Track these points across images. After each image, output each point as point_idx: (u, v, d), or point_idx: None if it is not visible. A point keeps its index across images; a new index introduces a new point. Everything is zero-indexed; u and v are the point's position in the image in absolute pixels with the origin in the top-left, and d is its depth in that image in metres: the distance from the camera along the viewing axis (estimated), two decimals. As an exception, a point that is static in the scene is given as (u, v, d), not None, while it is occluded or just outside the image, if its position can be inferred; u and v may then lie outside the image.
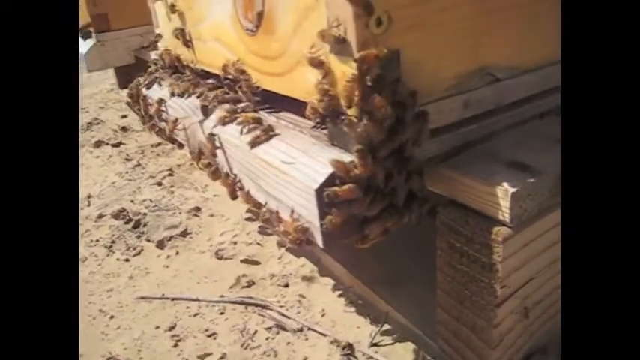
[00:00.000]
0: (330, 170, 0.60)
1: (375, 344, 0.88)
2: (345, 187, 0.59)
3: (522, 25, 0.72)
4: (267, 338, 0.96)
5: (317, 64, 0.60)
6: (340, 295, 1.03)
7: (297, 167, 0.64)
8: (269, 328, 0.98)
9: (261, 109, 0.82)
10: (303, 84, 0.69)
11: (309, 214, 0.62)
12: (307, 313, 1.00)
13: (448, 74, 0.66)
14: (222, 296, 1.10)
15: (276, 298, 1.07)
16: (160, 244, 1.29)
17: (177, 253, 1.26)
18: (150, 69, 1.20)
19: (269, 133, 0.71)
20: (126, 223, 1.39)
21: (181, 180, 1.60)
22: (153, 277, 1.19)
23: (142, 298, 1.12)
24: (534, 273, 0.69)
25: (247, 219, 1.33)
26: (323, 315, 0.99)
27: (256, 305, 1.06)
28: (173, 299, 1.11)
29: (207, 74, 1.02)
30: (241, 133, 0.76)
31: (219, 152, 0.82)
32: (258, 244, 1.24)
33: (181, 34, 1.04)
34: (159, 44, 1.24)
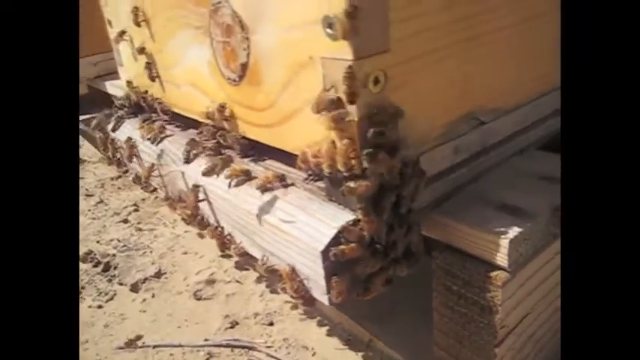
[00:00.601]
0: (334, 231, 0.59)
1: (372, 383, 0.88)
2: (352, 245, 0.59)
3: (503, 69, 0.74)
4: (259, 383, 0.94)
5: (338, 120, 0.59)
6: (329, 333, 1.03)
7: (298, 226, 0.63)
8: (260, 373, 0.96)
9: (246, 157, 0.81)
10: (295, 137, 0.69)
11: (314, 273, 0.61)
12: (297, 354, 0.99)
13: (438, 124, 0.67)
14: (206, 340, 1.07)
15: (262, 338, 1.05)
16: (134, 288, 1.24)
17: (153, 296, 1.22)
18: (115, 109, 1.16)
19: (283, 181, 0.70)
20: (95, 266, 1.33)
21: (148, 215, 1.55)
22: (130, 324, 1.14)
23: (121, 348, 1.08)
24: (529, 309, 0.71)
25: (223, 255, 1.31)
26: (314, 354, 0.98)
27: (243, 347, 1.04)
28: (154, 347, 1.07)
29: (176, 116, 1.00)
30: (229, 186, 0.75)
31: (204, 204, 0.80)
32: (238, 281, 1.22)
33: (150, 78, 1.01)
34: (122, 80, 1.21)
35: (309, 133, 0.64)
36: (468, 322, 0.70)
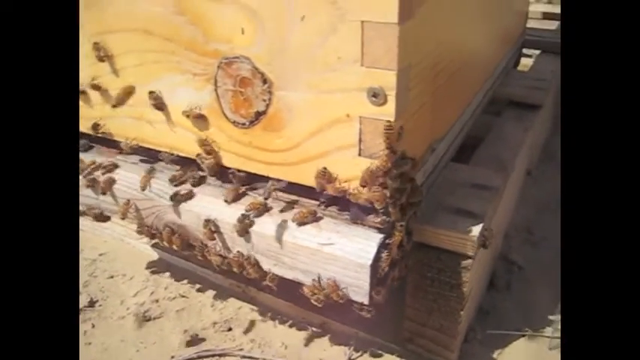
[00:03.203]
0: (375, 248, 0.78)
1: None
2: (390, 252, 0.78)
3: (445, 107, 1.00)
4: (246, 383, 1.06)
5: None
6: (291, 326, 1.18)
7: (339, 247, 0.80)
8: (244, 374, 1.08)
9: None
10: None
11: (359, 281, 0.79)
12: (270, 350, 1.13)
13: (418, 159, 0.90)
14: (173, 357, 1.13)
15: (230, 344, 1.16)
16: (69, 322, 1.20)
17: (93, 326, 1.20)
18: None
19: (316, 216, 0.83)
20: (7, 307, 1.23)
21: (41, 243, 1.45)
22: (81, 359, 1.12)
23: (85, 384, 1.07)
24: (475, 281, 1.00)
25: (154, 272, 1.34)
26: (286, 348, 1.13)
27: (213, 356, 1.13)
28: (122, 376, 1.09)
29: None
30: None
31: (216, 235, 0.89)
32: (183, 296, 1.27)
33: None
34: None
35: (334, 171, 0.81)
36: (439, 298, 0.96)
